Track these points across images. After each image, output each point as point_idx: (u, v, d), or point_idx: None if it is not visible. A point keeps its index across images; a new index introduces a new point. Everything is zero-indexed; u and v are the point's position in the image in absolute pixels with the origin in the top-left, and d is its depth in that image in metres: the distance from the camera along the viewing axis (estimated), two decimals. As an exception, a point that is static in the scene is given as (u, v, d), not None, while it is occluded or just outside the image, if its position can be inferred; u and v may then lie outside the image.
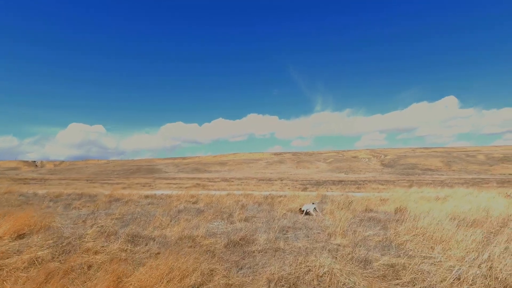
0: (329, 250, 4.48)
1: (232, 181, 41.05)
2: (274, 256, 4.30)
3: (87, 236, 5.27)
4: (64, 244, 4.69)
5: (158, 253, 4.28)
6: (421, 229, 5.22)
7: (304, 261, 3.92)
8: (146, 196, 13.58)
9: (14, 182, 40.52)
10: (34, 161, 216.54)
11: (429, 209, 8.30)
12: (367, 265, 3.88)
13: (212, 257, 4.20)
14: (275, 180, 44.37)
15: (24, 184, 34.02)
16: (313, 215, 7.89)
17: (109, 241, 4.94)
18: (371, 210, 8.62)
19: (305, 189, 22.64)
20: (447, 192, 13.74)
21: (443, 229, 4.94)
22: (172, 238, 5.15)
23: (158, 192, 17.30)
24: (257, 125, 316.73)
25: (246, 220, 7.09)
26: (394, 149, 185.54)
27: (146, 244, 4.77)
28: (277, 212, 8.22)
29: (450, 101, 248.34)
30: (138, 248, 4.59)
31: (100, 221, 6.86)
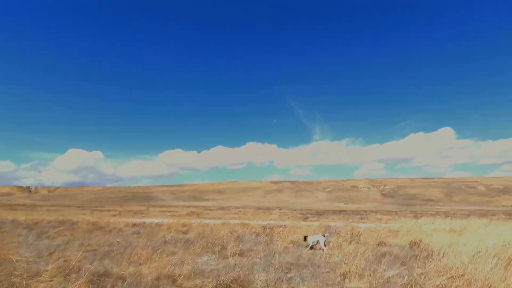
0: (346, 298, 3.50)
1: (229, 210, 39.45)
2: (276, 305, 3.31)
3: (44, 274, 4.26)
4: (4, 287, 3.69)
5: (125, 301, 3.30)
6: (456, 269, 4.25)
7: (316, 315, 2.94)
8: (134, 225, 12.42)
9: (1, 207, 38.75)
10: (29, 187, 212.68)
11: (449, 242, 7.29)
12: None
13: (195, 306, 3.21)
14: (274, 209, 42.75)
15: (11, 210, 32.39)
16: (316, 249, 6.84)
17: (68, 281, 3.93)
18: (384, 244, 7.59)
19: (305, 219, 21.36)
20: (460, 224, 12.66)
21: (485, 271, 3.98)
22: (148, 278, 4.15)
23: (149, 220, 16.06)
24: (256, 153, 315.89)
25: (241, 254, 6.06)
26: (393, 179, 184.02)
27: (113, 287, 3.77)
28: (277, 245, 7.17)
29: (446, 132, 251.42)
30: (100, 292, 3.59)
31: (68, 254, 5.83)
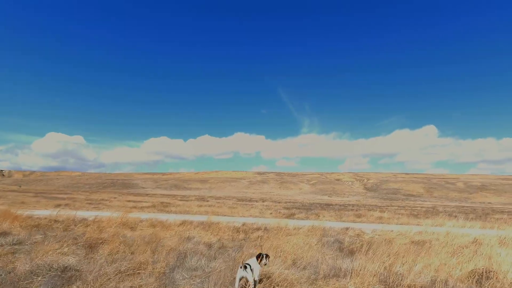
0: None
1: (207, 201, 35.61)
2: None
3: None
4: None
5: None
6: None
7: None
8: (34, 226, 8.27)
9: None
10: (1, 170, 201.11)
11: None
12: None
13: None
14: (256, 201, 39.27)
15: None
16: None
17: None
18: (444, 284, 4.02)
19: (291, 216, 17.83)
20: (496, 229, 9.40)
21: None
22: None
23: (89, 214, 11.99)
24: (243, 143, 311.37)
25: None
26: (376, 173, 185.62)
27: None
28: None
29: (429, 130, 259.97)
30: None
31: None
